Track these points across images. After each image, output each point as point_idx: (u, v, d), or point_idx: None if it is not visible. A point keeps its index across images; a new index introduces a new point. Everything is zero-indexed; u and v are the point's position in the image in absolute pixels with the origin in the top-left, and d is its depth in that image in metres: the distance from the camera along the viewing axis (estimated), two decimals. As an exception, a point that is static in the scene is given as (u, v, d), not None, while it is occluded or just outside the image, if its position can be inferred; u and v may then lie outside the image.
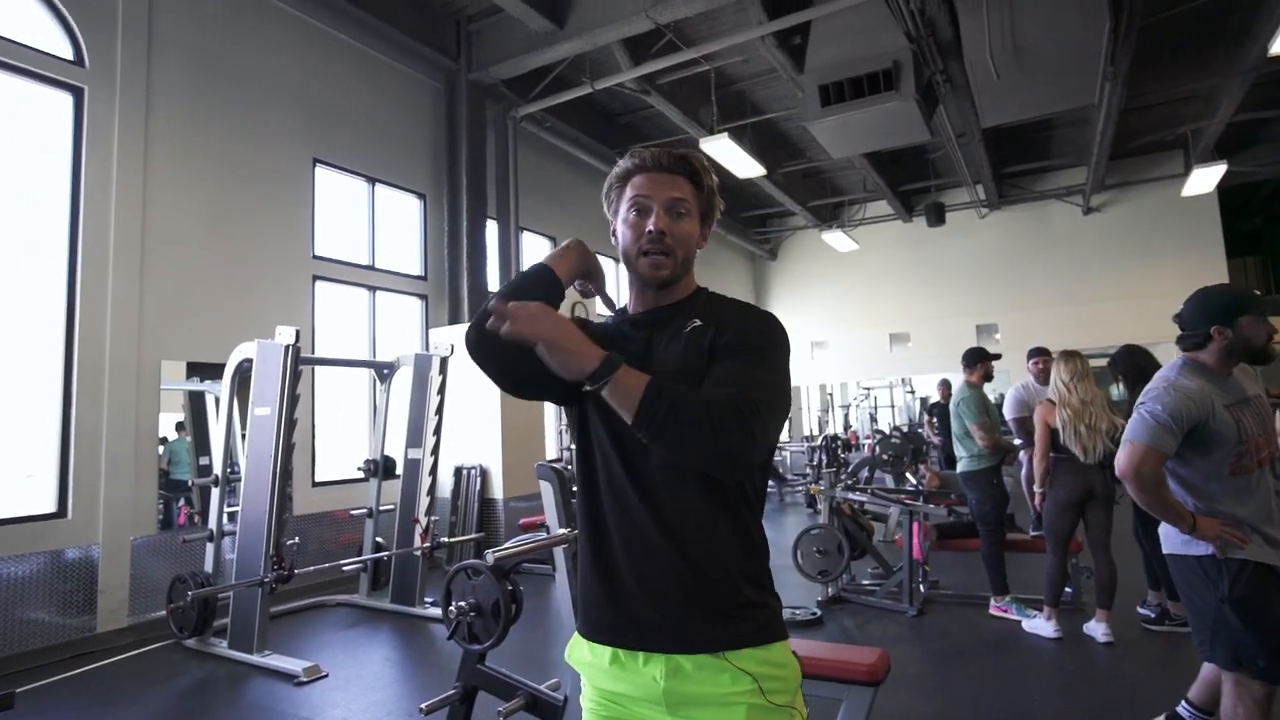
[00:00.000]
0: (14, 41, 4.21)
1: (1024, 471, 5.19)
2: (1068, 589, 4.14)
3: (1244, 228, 13.90)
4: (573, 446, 1.19)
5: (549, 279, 1.17)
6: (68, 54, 4.47)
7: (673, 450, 0.97)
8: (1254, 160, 10.44)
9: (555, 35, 6.36)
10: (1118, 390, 4.09)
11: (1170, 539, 2.09)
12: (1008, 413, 4.93)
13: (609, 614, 1.09)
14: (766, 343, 1.08)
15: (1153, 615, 3.86)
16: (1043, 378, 4.76)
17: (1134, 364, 3.80)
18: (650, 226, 1.11)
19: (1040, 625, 3.80)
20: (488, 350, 1.13)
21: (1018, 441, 4.73)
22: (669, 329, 1.13)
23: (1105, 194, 11.40)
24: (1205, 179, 9.31)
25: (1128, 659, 3.46)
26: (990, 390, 4.69)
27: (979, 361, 4.43)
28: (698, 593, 1.03)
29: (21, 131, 4.37)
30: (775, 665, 1.03)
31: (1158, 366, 3.98)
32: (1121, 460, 2.02)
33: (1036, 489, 3.86)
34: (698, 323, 1.11)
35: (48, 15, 4.43)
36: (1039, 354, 4.89)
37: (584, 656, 1.13)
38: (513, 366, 1.15)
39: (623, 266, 1.19)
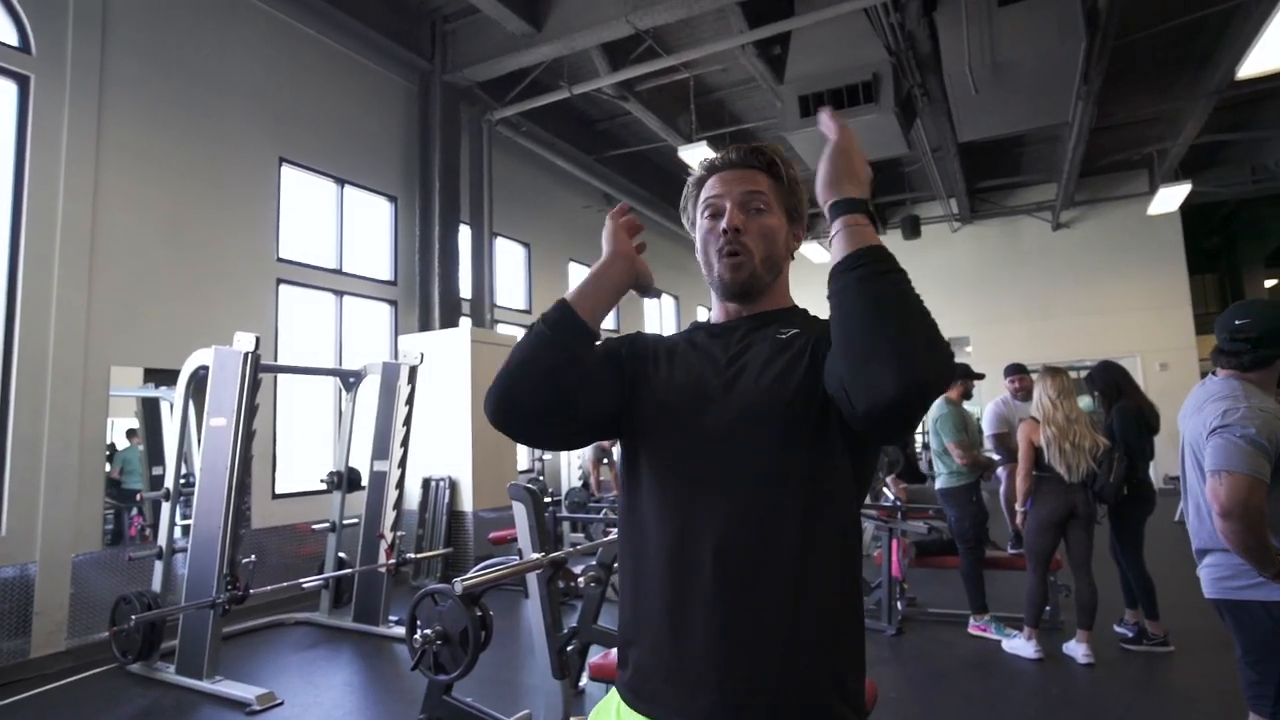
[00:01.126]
0: (-45, 25, 3.96)
1: (1003, 488, 5.17)
2: (1047, 608, 4.11)
3: (1204, 246, 14.30)
4: (619, 473, 1.03)
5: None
6: (12, 39, 4.22)
7: (878, 337, 0.78)
8: (1214, 181, 10.72)
9: (533, 38, 6.24)
10: (1092, 403, 4.08)
11: (1237, 581, 1.81)
12: (987, 429, 4.91)
13: (667, 691, 0.89)
14: None
15: (1130, 634, 3.84)
16: (1021, 395, 4.74)
17: (1110, 380, 3.80)
18: (724, 225, 1.00)
19: (1020, 645, 3.74)
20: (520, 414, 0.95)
21: (996, 457, 4.70)
22: (758, 337, 0.98)
23: (1074, 210, 11.61)
24: (1170, 198, 9.52)
25: (1108, 680, 3.42)
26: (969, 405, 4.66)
27: (959, 379, 4.40)
28: (791, 690, 0.84)
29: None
30: None
31: (1131, 383, 3.99)
32: (1222, 495, 1.69)
33: (1019, 507, 3.82)
34: (795, 331, 0.97)
35: (-7, -1, 4.19)
36: (1016, 372, 4.87)
37: (618, 714, 0.95)
38: (548, 413, 0.95)
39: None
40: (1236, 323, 1.86)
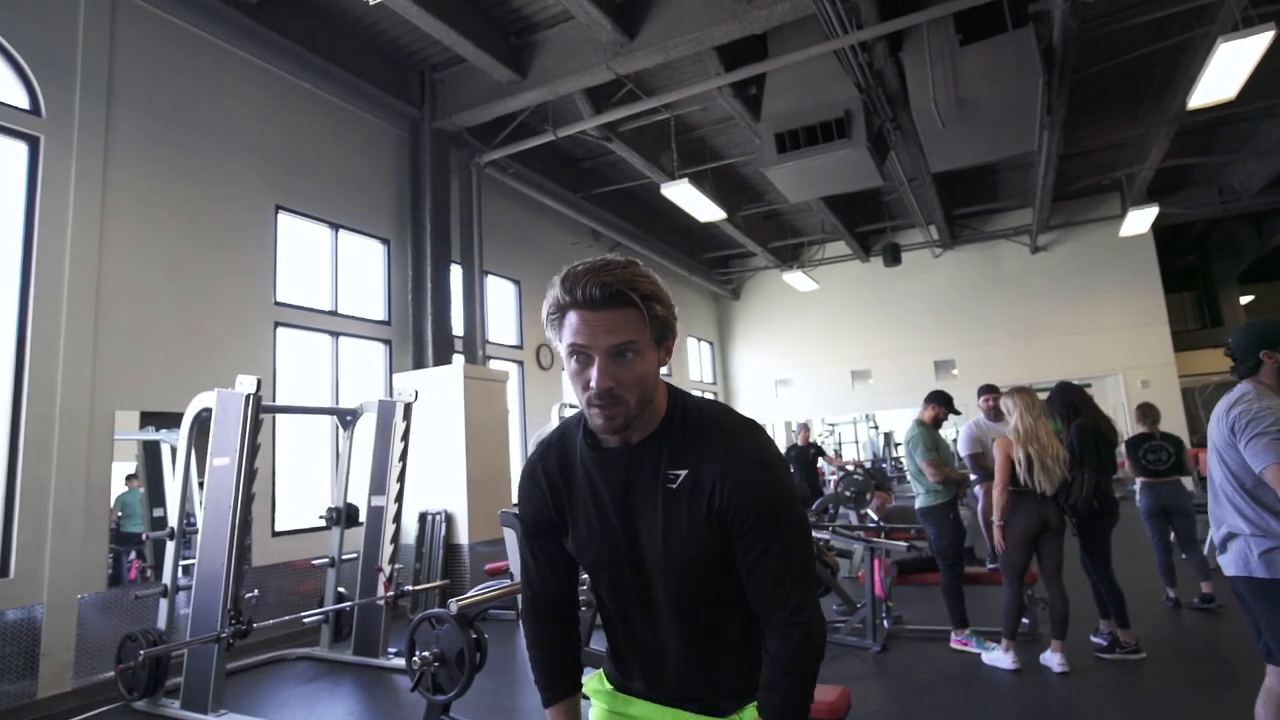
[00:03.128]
0: (-30, 92, 4.19)
1: (980, 505, 5.32)
2: (1024, 620, 4.25)
3: (1179, 265, 14.66)
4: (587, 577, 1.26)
5: None
6: (24, 103, 4.45)
7: None
8: (1184, 202, 11.09)
9: (518, 85, 6.53)
10: (1056, 424, 4.27)
11: (1274, 564, 2.09)
12: (962, 450, 5.07)
13: (640, 683, 1.19)
14: (786, 506, 1.04)
15: (1105, 644, 3.97)
16: (993, 414, 4.92)
17: (1067, 400, 4.01)
18: (593, 384, 0.98)
19: (999, 658, 3.87)
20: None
21: (972, 478, 4.86)
22: (649, 472, 1.07)
23: (1051, 234, 11.94)
24: (1140, 220, 9.84)
25: (1082, 688, 3.55)
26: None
27: (934, 403, 4.58)
28: (715, 681, 1.14)
29: (-26, 180, 4.31)
30: None
31: (1088, 401, 4.19)
32: (1276, 482, 2.04)
33: (996, 521, 3.96)
34: (683, 474, 1.05)
35: (3, 64, 4.42)
36: (989, 391, 5.06)
37: (602, 687, 1.24)
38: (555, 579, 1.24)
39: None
40: (1230, 342, 2.36)
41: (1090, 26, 6.39)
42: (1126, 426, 11.03)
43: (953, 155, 7.25)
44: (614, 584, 1.14)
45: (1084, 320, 11.71)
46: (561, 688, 1.23)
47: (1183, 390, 11.30)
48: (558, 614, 1.24)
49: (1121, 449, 4.83)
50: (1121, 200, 11.00)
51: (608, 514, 1.09)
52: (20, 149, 4.41)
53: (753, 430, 1.08)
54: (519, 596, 2.85)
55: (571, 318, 0.99)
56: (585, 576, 1.27)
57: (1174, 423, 10.79)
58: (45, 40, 4.54)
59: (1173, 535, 5.14)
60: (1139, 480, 5.17)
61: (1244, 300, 14.60)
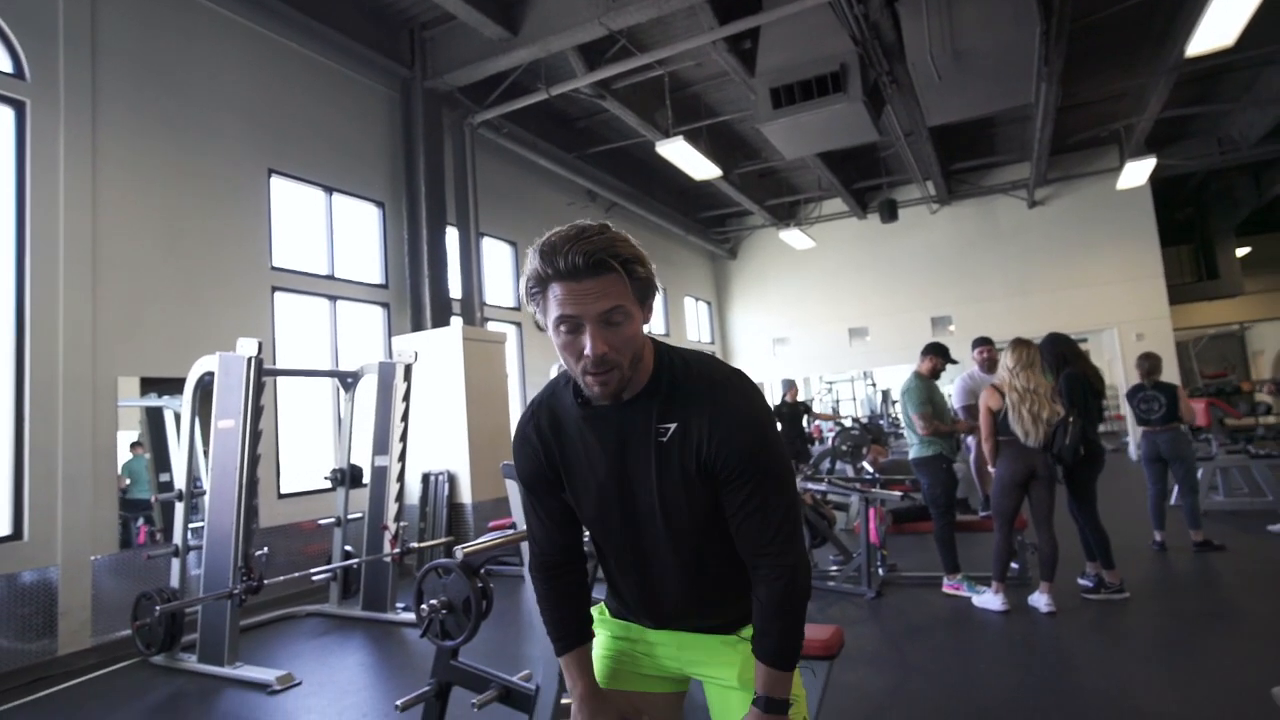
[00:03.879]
0: (-47, 56, 4.13)
1: (972, 456, 5.43)
2: (1014, 564, 4.38)
3: (1177, 218, 14.58)
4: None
5: None
6: (7, 67, 4.39)
7: None
8: (1182, 154, 11.00)
9: (510, 42, 6.42)
10: (1047, 375, 4.34)
11: None
12: (956, 401, 5.16)
13: (636, 609, 1.28)
14: (771, 457, 1.08)
15: (1091, 585, 4.11)
16: (987, 366, 4.99)
17: (1056, 351, 4.07)
18: (587, 351, 0.99)
19: (989, 600, 4.00)
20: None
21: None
22: (640, 427, 1.10)
23: (1048, 188, 11.87)
24: (1137, 172, 9.78)
25: (1067, 626, 3.68)
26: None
27: (931, 354, 4.65)
28: (710, 614, 1.23)
29: (-37, 147, 4.28)
30: None
31: (1077, 351, 4.26)
32: None
33: (990, 468, 4.07)
34: (672, 427, 1.08)
35: (-13, 28, 4.35)
36: (983, 344, 5.12)
37: (603, 618, 1.34)
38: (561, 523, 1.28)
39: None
40: None
41: (1090, -28, 6.28)
42: (1123, 378, 11.20)
43: (949, 108, 7.16)
44: (610, 534, 1.19)
45: (1081, 274, 11.72)
46: (573, 637, 1.27)
47: (1177, 343, 11.37)
48: (564, 567, 1.28)
49: (1117, 399, 4.92)
50: (1120, 152, 10.91)
51: (600, 468, 1.14)
52: (6, 114, 4.36)
53: (739, 381, 1.11)
54: (523, 546, 2.94)
55: (556, 289, 0.99)
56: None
57: (1168, 374, 10.88)
58: (25, 1, 4.45)
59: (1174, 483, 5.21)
60: (1140, 429, 5.26)
61: (1240, 252, 14.57)
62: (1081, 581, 4.20)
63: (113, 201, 4.78)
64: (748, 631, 1.18)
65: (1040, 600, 3.87)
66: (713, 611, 1.22)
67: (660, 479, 1.09)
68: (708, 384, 1.09)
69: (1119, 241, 11.56)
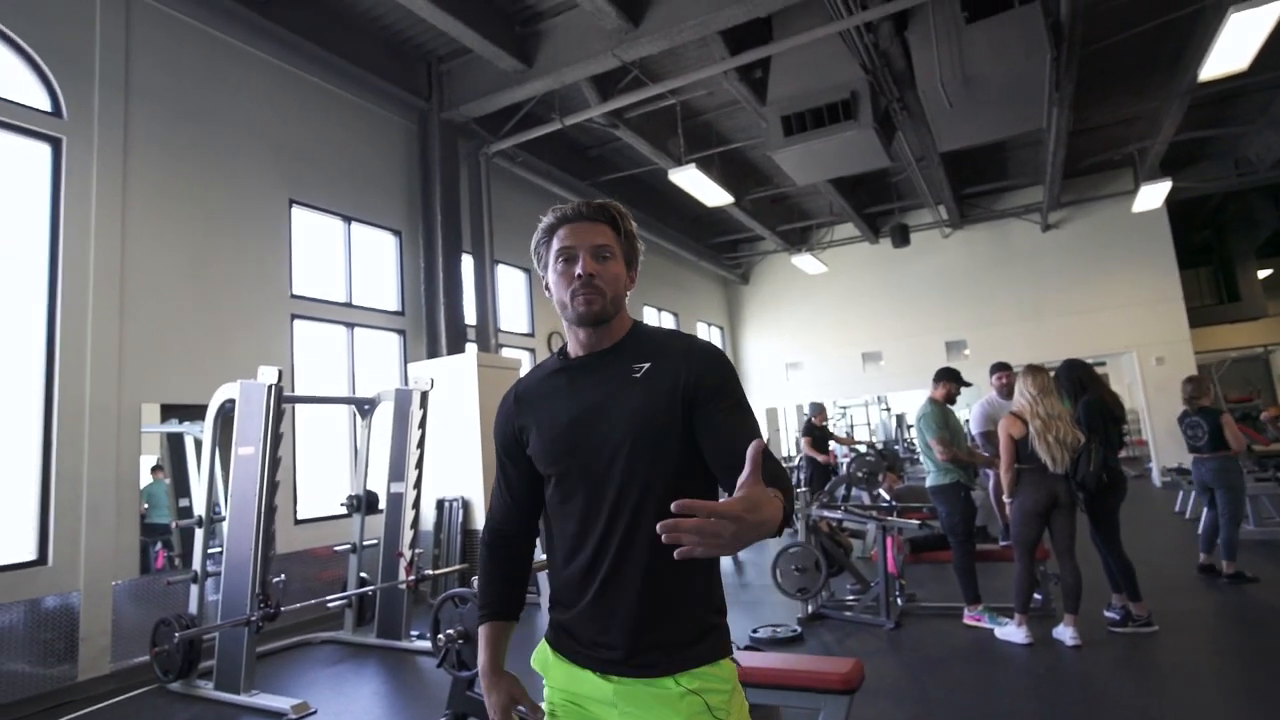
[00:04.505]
0: (-9, 95, 4.29)
1: (991, 483, 5.37)
2: (1037, 595, 4.30)
3: (1195, 240, 14.48)
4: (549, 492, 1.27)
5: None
6: (46, 106, 4.55)
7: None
8: (1198, 176, 10.96)
9: (525, 74, 6.56)
10: (1064, 402, 4.30)
11: None
12: (974, 427, 5.12)
13: (575, 631, 1.21)
14: (738, 386, 1.19)
15: (1117, 618, 4.02)
16: (1005, 392, 4.95)
17: (1073, 377, 4.03)
18: (579, 270, 1.18)
19: (1011, 632, 3.93)
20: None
21: (988, 454, 4.90)
22: (614, 370, 1.21)
23: (1062, 211, 11.84)
24: (1153, 195, 9.74)
25: (1094, 660, 3.60)
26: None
27: (945, 380, 4.62)
28: (662, 623, 1.14)
29: (-2, 182, 4.42)
30: (720, 680, 1.13)
31: (1095, 377, 4.21)
32: None
33: (1006, 499, 4.02)
34: (646, 365, 1.19)
35: (25, 69, 4.51)
36: (1001, 369, 5.09)
37: (547, 659, 1.26)
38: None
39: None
40: None
41: (1099, 0, 6.33)
42: (1143, 403, 11.05)
43: (960, 134, 7.20)
44: (570, 485, 1.19)
45: (1097, 298, 11.63)
46: (498, 608, 1.31)
47: (1199, 366, 11.22)
48: (513, 539, 1.33)
49: (1139, 425, 4.86)
50: (1134, 175, 10.89)
51: (566, 410, 1.21)
52: (44, 150, 4.51)
53: (715, 348, 1.24)
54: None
55: (561, 232, 1.22)
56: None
57: (1189, 399, 10.75)
58: (64, 43, 4.63)
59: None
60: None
61: (1262, 274, 14.41)
62: (1107, 614, 4.11)
63: (140, 233, 4.91)
64: (699, 679, 1.11)
65: (1065, 633, 3.80)
66: (671, 617, 1.14)
67: (634, 403, 1.16)
68: (677, 336, 1.26)
69: (1136, 264, 11.47)
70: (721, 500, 0.83)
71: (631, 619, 1.14)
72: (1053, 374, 4.14)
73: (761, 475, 0.97)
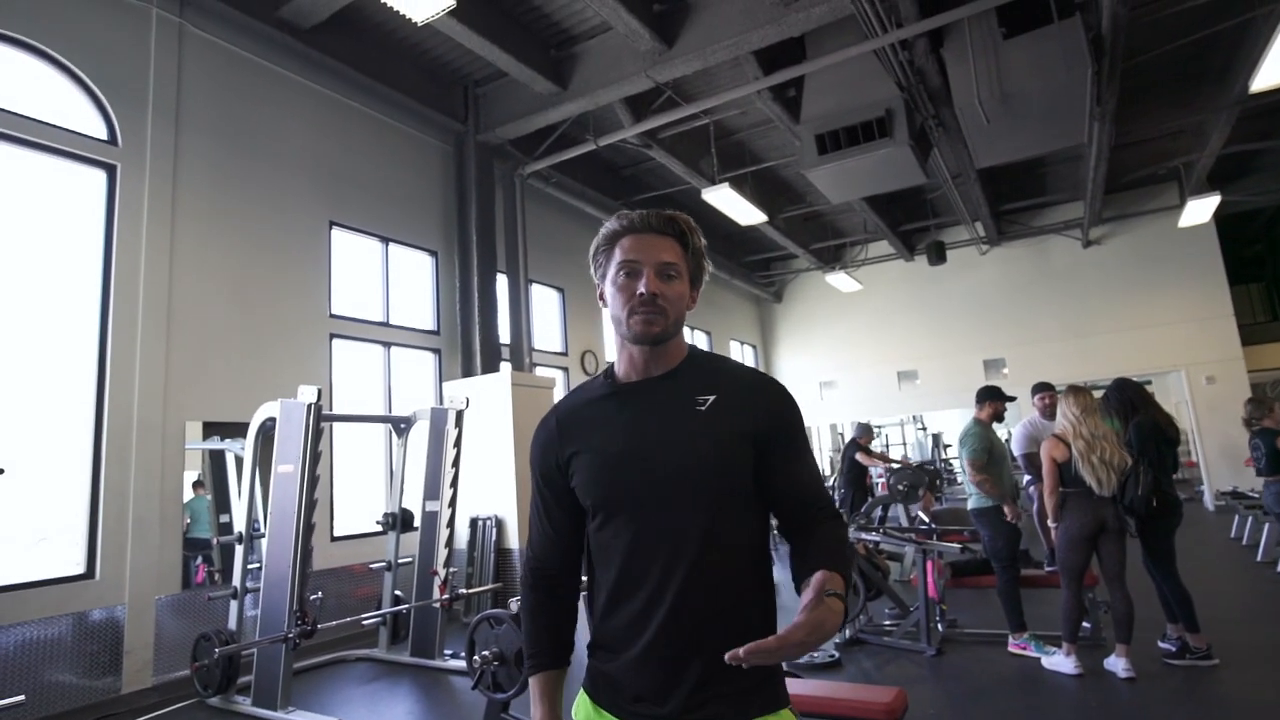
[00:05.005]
0: (52, 125, 4.48)
1: (1035, 506, 5.21)
2: (1086, 624, 4.14)
3: (1246, 254, 14.01)
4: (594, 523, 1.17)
5: None
6: (102, 134, 4.74)
7: None
8: (1248, 189, 10.61)
9: (559, 96, 6.65)
10: (1113, 423, 4.16)
11: None
12: (1016, 449, 4.98)
13: (620, 683, 1.10)
14: (803, 428, 1.16)
15: (1174, 649, 3.84)
16: (1048, 413, 4.82)
17: (1124, 397, 3.89)
18: (641, 289, 1.10)
19: (1060, 662, 3.78)
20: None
21: (1026, 478, 4.76)
22: (673, 399, 1.13)
23: (1103, 227, 11.56)
24: (1200, 210, 9.46)
25: (1150, 694, 3.44)
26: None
27: (988, 400, 4.50)
28: (724, 674, 1.03)
29: (55, 205, 4.60)
30: None
31: (1147, 397, 4.06)
32: None
33: (1050, 523, 3.89)
34: (711, 398, 1.12)
35: (84, 99, 4.71)
36: (1043, 389, 4.96)
37: (589, 714, 1.14)
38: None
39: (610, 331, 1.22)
40: None
41: (1141, 12, 6.21)
42: (1192, 423, 10.65)
43: (998, 150, 7.09)
44: (619, 523, 1.10)
45: (1142, 315, 11.29)
46: (547, 657, 1.20)
47: (1252, 386, 10.80)
48: (557, 580, 1.22)
49: (1189, 446, 4.69)
50: (1180, 190, 10.60)
51: (619, 438, 1.12)
52: (99, 177, 4.69)
53: (779, 383, 1.20)
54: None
55: (624, 241, 1.14)
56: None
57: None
58: (121, 74, 4.83)
59: None
60: None
61: (1317, 290, 13.88)
62: (1163, 645, 3.94)
63: (187, 256, 5.07)
64: None
65: (1117, 664, 3.64)
66: (723, 652, 1.01)
67: (699, 440, 1.09)
68: (742, 370, 1.20)
69: (1183, 280, 11.12)
70: (783, 632, 0.87)
71: (689, 671, 1.05)
72: (1103, 394, 4.01)
73: (825, 559, 1.01)
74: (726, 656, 0.83)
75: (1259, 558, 5.73)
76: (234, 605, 4.30)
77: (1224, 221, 10.82)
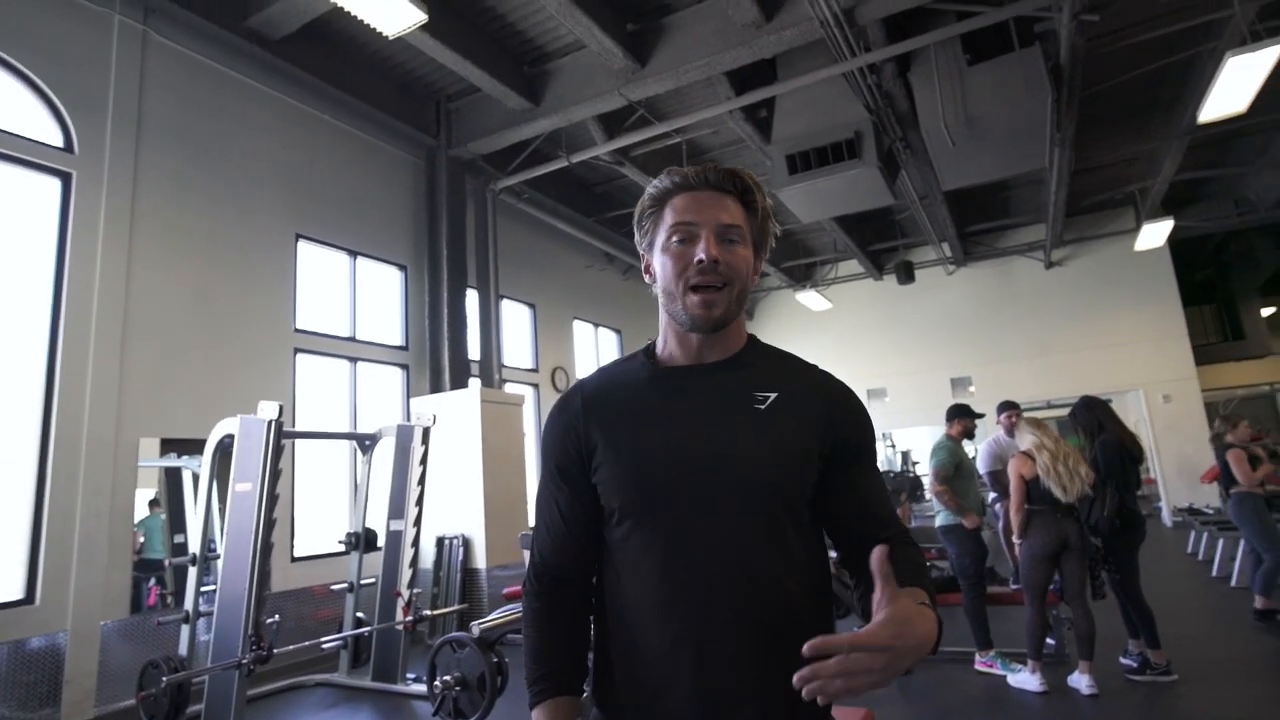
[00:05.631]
0: (3, 130, 4.33)
1: (1000, 524, 5.26)
2: (1050, 640, 4.17)
3: (1198, 278, 14.50)
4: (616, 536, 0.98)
5: None
6: (58, 141, 4.60)
7: None
8: (1199, 215, 11.01)
9: (532, 112, 6.65)
10: (1078, 440, 4.23)
11: None
12: (981, 467, 5.03)
13: (659, 690, 0.91)
14: (875, 440, 1.02)
15: (1135, 665, 3.89)
16: (1013, 432, 4.88)
17: (1091, 416, 3.96)
18: (700, 254, 0.93)
19: (1025, 679, 3.80)
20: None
21: (992, 495, 4.82)
22: (728, 393, 0.97)
23: (1064, 249, 11.88)
24: (1155, 234, 9.76)
25: (1113, 711, 3.47)
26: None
27: (957, 417, 4.57)
28: (774, 664, 0.88)
29: (4, 213, 4.44)
30: None
31: (1112, 416, 4.15)
32: None
33: (1015, 540, 3.93)
34: (772, 395, 0.96)
35: (39, 104, 4.57)
36: (1008, 408, 5.02)
37: None
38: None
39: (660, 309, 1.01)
40: None
41: (1097, 44, 6.42)
42: (1150, 441, 10.92)
43: (964, 173, 7.27)
44: (649, 532, 0.92)
45: (1101, 335, 11.59)
46: (554, 680, 0.98)
47: (1206, 404, 11.12)
48: (565, 585, 1.02)
49: (1147, 463, 4.80)
50: (1136, 214, 10.94)
51: (659, 430, 0.95)
52: (53, 185, 4.54)
53: (845, 385, 1.06)
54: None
55: (676, 201, 0.97)
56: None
57: (1198, 437, 10.64)
58: (79, 81, 4.70)
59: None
60: None
61: (1265, 312, 14.38)
62: (1124, 661, 3.99)
63: (146, 267, 4.92)
64: None
65: (1081, 681, 3.67)
66: (790, 693, 0.83)
67: (756, 443, 0.92)
68: (808, 366, 1.04)
69: (1140, 302, 11.46)
70: (863, 630, 0.68)
71: (727, 681, 0.88)
72: (1070, 411, 4.09)
73: (910, 578, 0.82)
74: (795, 679, 0.66)
75: (1214, 572, 5.85)
76: (185, 630, 4.13)
77: (1177, 246, 11.18)
